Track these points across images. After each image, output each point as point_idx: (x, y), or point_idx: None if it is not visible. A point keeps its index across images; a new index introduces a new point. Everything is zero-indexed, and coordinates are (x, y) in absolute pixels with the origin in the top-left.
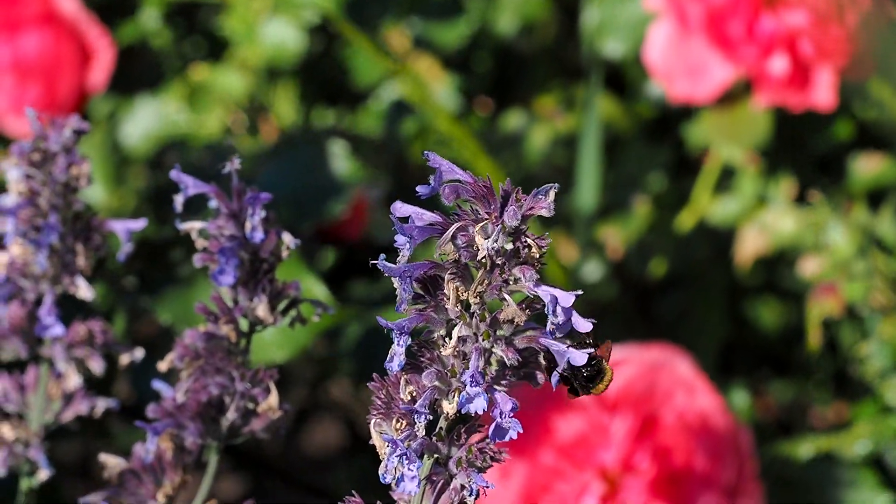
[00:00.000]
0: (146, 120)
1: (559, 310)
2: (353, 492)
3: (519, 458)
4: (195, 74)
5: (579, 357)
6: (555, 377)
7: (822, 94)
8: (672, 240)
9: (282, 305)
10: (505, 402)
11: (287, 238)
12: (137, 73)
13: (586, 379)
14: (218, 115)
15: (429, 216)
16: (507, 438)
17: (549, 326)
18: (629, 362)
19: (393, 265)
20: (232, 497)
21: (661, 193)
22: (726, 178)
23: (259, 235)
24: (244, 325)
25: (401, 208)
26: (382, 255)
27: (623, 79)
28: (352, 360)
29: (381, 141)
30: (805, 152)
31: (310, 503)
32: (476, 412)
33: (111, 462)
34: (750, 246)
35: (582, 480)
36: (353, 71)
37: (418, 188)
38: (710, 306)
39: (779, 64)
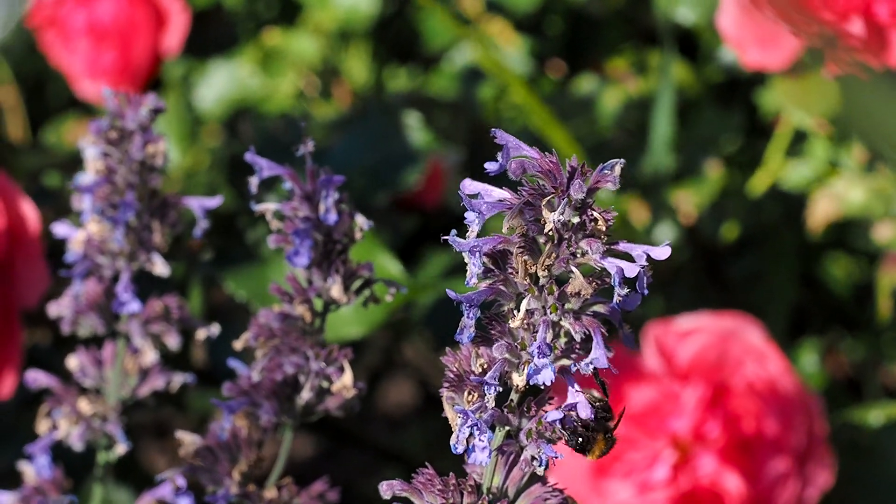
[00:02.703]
0: (220, 83)
1: (626, 282)
2: (427, 463)
3: None
4: (268, 39)
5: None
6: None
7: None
8: (744, 203)
9: (355, 285)
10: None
11: (360, 220)
12: (211, 36)
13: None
14: (291, 79)
15: (497, 192)
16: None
17: (615, 299)
18: (701, 331)
19: (463, 240)
20: (305, 458)
21: (732, 157)
22: (798, 142)
23: (332, 217)
24: (318, 305)
25: (469, 185)
26: (453, 231)
27: (695, 43)
28: (426, 327)
29: (456, 103)
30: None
31: (382, 466)
32: (545, 384)
33: (187, 439)
34: (821, 213)
35: (654, 449)
36: (425, 34)
37: (486, 165)
38: (782, 268)
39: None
